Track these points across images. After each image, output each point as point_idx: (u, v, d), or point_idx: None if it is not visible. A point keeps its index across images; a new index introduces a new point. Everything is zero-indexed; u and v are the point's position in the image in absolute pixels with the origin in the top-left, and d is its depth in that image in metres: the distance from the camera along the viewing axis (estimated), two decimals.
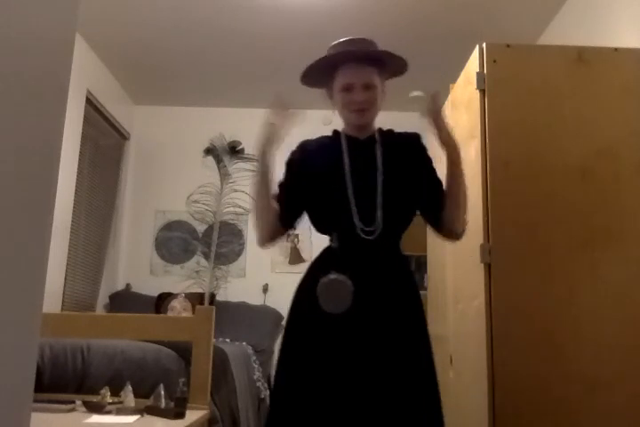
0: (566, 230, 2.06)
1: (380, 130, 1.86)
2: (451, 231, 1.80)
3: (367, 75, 1.76)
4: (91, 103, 4.18)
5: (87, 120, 4.11)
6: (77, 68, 3.59)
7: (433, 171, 1.84)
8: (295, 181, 1.82)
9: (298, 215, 1.85)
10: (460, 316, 2.36)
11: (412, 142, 1.85)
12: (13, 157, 0.64)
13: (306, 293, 1.69)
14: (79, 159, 4.02)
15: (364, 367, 1.59)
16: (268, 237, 1.81)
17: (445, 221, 1.78)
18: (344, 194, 1.72)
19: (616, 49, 2.23)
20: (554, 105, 2.16)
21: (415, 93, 4.67)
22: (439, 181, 1.83)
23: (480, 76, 2.19)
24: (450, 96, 2.68)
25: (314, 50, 4.09)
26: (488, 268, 2.04)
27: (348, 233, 1.71)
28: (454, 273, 2.48)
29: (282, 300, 4.65)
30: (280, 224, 1.80)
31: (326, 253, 1.75)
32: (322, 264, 1.72)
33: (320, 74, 1.80)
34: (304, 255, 4.65)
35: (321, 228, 1.80)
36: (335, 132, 1.87)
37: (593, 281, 2.03)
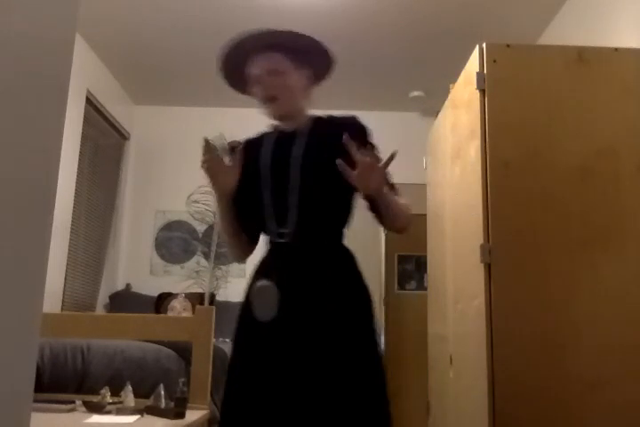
0: (566, 230, 2.06)
1: (314, 118, 1.73)
2: (391, 228, 1.73)
3: (271, 61, 1.64)
4: (91, 103, 4.18)
5: (87, 120, 4.11)
6: (77, 68, 3.60)
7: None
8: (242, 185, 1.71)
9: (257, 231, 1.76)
10: (459, 316, 2.36)
11: (345, 128, 1.63)
12: (13, 157, 0.64)
13: (245, 299, 1.65)
14: (79, 159, 4.02)
15: (292, 375, 1.51)
16: (244, 255, 1.77)
17: (381, 218, 1.69)
18: (260, 194, 1.65)
19: (616, 49, 2.23)
20: (554, 105, 2.16)
21: (415, 93, 4.68)
22: None
23: (480, 76, 2.18)
24: (450, 96, 2.68)
25: None
26: (488, 268, 2.04)
27: (271, 236, 1.66)
28: (454, 273, 2.48)
29: None
30: (250, 242, 1.75)
31: (262, 257, 1.69)
32: (256, 270, 1.67)
33: (235, 75, 1.71)
34: None
35: (255, 230, 1.72)
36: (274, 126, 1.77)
37: (593, 281, 2.03)
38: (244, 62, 1.67)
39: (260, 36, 1.63)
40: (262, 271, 1.63)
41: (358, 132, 1.66)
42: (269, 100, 1.65)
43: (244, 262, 1.85)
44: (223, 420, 1.57)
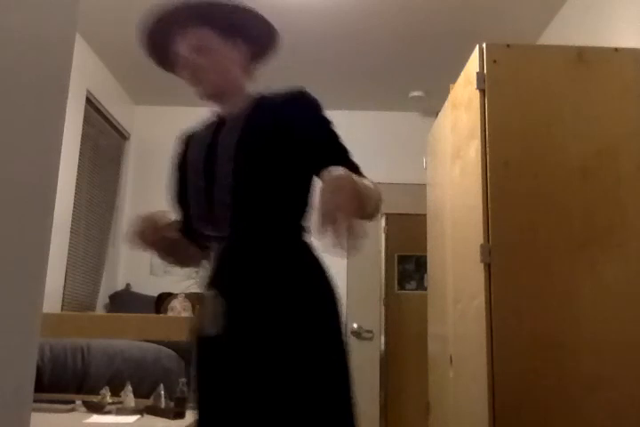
0: (566, 230, 2.06)
1: (257, 98, 1.49)
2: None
3: (197, 37, 1.44)
4: (91, 103, 4.18)
5: (87, 120, 4.11)
6: (77, 68, 3.60)
7: (325, 137, 1.39)
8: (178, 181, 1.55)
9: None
10: (459, 316, 2.36)
11: (291, 103, 1.41)
12: (14, 157, 0.64)
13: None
14: (79, 159, 4.02)
15: (240, 398, 1.32)
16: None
17: None
18: (190, 193, 1.47)
19: (616, 49, 2.23)
20: (554, 105, 2.16)
21: (415, 93, 4.68)
22: (338, 149, 1.39)
23: (480, 76, 2.18)
24: (450, 96, 2.68)
25: (313, 49, 4.11)
26: (488, 268, 2.04)
27: (211, 240, 1.43)
28: (454, 273, 2.48)
29: None
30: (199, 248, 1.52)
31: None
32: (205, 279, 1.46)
33: (161, 55, 1.53)
34: None
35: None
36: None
37: (593, 281, 2.03)
38: (169, 38, 1.47)
39: (183, 9, 1.42)
40: (207, 280, 1.43)
41: (308, 106, 1.41)
42: (196, 81, 1.45)
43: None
44: None
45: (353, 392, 1.33)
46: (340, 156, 1.37)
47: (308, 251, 1.40)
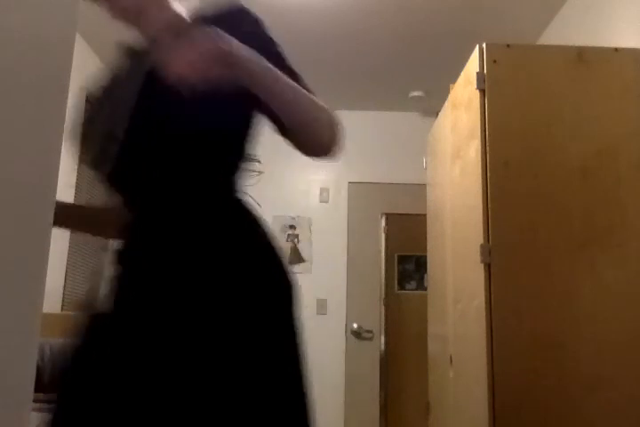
0: (566, 230, 2.06)
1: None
2: (307, 142, 1.09)
3: None
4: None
5: None
6: (77, 68, 3.59)
7: (270, 56, 1.03)
8: None
9: None
10: (459, 316, 2.36)
11: (231, 23, 1.04)
12: (14, 157, 0.64)
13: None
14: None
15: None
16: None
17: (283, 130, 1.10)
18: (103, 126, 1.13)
19: (616, 49, 2.23)
20: (554, 105, 2.16)
21: (415, 93, 4.68)
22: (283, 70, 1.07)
23: (480, 76, 2.19)
24: (450, 96, 2.68)
25: (313, 49, 4.11)
26: (488, 268, 2.04)
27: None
28: (454, 273, 2.48)
29: None
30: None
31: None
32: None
33: None
34: (304, 255, 4.65)
35: None
36: None
37: (593, 281, 2.03)
38: None
39: None
40: (115, 254, 1.10)
41: (250, 26, 1.14)
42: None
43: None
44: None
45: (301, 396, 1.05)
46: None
47: (242, 212, 1.10)
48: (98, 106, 1.17)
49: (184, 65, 0.88)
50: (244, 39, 0.99)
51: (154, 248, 1.06)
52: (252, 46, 1.00)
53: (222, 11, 1.14)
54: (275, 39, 1.15)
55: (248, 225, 1.10)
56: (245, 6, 1.16)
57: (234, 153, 1.12)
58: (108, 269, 1.07)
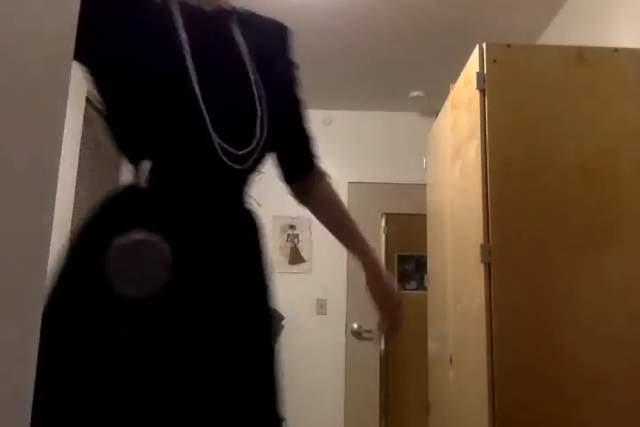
0: (566, 230, 2.06)
1: (230, 5, 1.19)
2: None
3: None
4: (91, 103, 4.18)
5: (87, 120, 4.11)
6: (77, 69, 3.59)
7: (297, 88, 1.26)
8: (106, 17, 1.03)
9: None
10: (459, 316, 2.36)
11: (279, 35, 1.25)
12: (13, 157, 0.64)
13: (79, 265, 1.01)
14: (79, 159, 4.02)
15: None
16: None
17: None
18: (185, 91, 1.02)
19: (616, 49, 2.23)
20: (554, 105, 2.16)
21: (415, 93, 4.68)
22: (298, 107, 1.26)
23: (480, 76, 2.19)
24: (450, 96, 2.68)
25: (313, 48, 4.11)
26: (488, 268, 2.04)
27: (192, 158, 1.05)
28: (454, 273, 2.48)
29: (282, 300, 4.64)
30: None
31: (126, 195, 1.08)
32: (115, 214, 1.04)
33: None
34: (304, 255, 4.65)
35: (128, 144, 1.16)
36: None
37: (593, 281, 2.03)
38: None
39: None
40: (134, 217, 1.02)
41: (290, 43, 1.28)
42: None
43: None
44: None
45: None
46: (295, 112, 1.24)
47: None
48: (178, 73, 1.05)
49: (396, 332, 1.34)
50: (281, 53, 1.22)
51: (223, 221, 1.07)
52: (283, 63, 1.22)
53: (271, 20, 1.27)
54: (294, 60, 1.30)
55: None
56: (287, 26, 1.30)
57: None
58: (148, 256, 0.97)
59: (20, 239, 0.66)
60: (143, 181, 1.06)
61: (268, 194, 4.91)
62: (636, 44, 2.49)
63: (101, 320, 0.98)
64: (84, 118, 4.06)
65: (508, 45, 2.23)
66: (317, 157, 1.30)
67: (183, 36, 1.05)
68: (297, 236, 4.69)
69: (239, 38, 1.13)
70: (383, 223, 4.72)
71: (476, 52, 2.24)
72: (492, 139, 2.13)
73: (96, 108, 4.29)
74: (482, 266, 2.05)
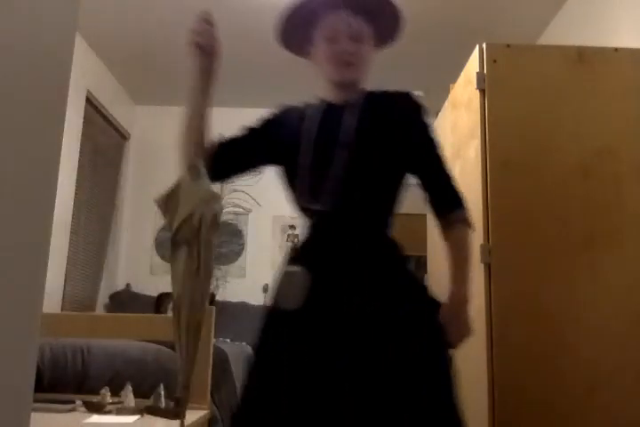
0: (566, 230, 2.06)
1: (367, 92, 1.58)
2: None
3: (355, 23, 1.51)
4: (91, 103, 4.18)
5: (87, 120, 4.11)
6: (77, 68, 3.60)
7: (428, 142, 1.55)
8: (262, 137, 1.57)
9: (233, 171, 1.60)
10: None
11: (401, 105, 1.55)
12: (14, 158, 0.64)
13: (274, 285, 1.50)
14: (79, 159, 4.02)
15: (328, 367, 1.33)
16: (194, 154, 1.52)
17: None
18: (305, 170, 1.46)
19: (616, 49, 2.23)
20: (554, 105, 2.16)
21: (415, 93, 4.68)
22: (434, 157, 1.55)
23: (480, 76, 2.18)
24: (450, 96, 2.68)
25: None
26: (488, 268, 2.04)
27: (311, 215, 1.48)
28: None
29: None
30: (211, 163, 1.52)
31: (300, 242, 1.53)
32: (288, 254, 1.51)
33: (299, 32, 1.56)
34: None
35: (297, 206, 1.54)
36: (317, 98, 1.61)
37: (593, 281, 2.03)
38: (313, 20, 1.53)
39: None
40: (292, 254, 1.49)
41: (414, 110, 1.54)
42: (344, 65, 1.51)
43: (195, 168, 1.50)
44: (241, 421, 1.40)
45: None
46: (434, 165, 1.54)
47: (400, 248, 1.55)
48: (307, 147, 1.49)
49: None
50: (407, 122, 1.51)
51: (342, 257, 1.43)
52: (413, 129, 1.51)
53: (396, 94, 1.57)
54: (431, 123, 1.55)
55: (403, 257, 1.61)
56: (413, 94, 1.57)
57: (397, 201, 1.58)
58: (297, 274, 1.41)
59: (21, 239, 0.66)
60: (310, 230, 1.49)
61: (268, 194, 4.90)
62: (636, 44, 2.49)
63: (270, 323, 1.45)
64: (84, 118, 4.06)
65: (508, 45, 2.22)
66: (460, 201, 1.56)
67: (312, 129, 1.50)
68: (297, 236, 4.69)
69: (348, 121, 1.49)
70: None
71: (475, 52, 2.24)
72: (492, 139, 2.12)
73: (96, 109, 4.29)
74: (482, 266, 2.05)
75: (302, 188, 1.48)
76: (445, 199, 1.56)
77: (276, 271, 1.51)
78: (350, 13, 1.52)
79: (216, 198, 1.47)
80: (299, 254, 1.47)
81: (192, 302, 1.37)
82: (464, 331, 1.53)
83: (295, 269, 1.42)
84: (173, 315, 1.38)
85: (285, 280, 1.43)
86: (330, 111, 1.53)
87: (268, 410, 1.33)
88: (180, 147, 1.53)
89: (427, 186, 1.55)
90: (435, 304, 1.54)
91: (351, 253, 1.43)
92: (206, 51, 1.48)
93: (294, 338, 1.37)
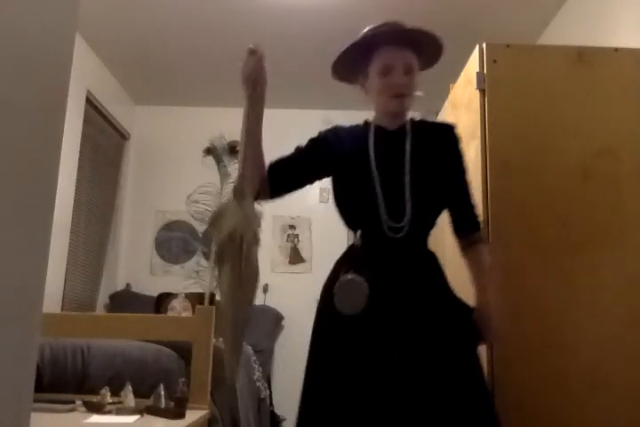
0: (566, 230, 2.06)
1: (412, 120, 1.76)
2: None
3: (408, 56, 1.68)
4: (91, 103, 4.18)
5: (87, 120, 4.11)
6: (77, 68, 3.60)
7: (462, 170, 1.76)
8: (315, 154, 1.74)
9: (291, 187, 1.75)
10: None
11: (444, 134, 1.75)
12: (14, 157, 0.64)
13: (326, 291, 1.65)
14: (79, 159, 4.02)
15: (384, 370, 1.53)
16: (253, 183, 1.64)
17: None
18: (370, 188, 1.64)
19: (616, 49, 2.23)
20: (554, 105, 2.16)
21: (415, 93, 4.68)
22: (464, 184, 1.76)
23: (480, 76, 2.19)
24: (450, 96, 2.68)
25: (314, 49, 4.10)
26: None
27: (374, 230, 1.63)
28: (454, 273, 2.47)
29: (282, 300, 4.65)
30: (267, 183, 1.68)
31: (350, 250, 1.69)
32: (343, 263, 1.66)
33: (354, 62, 1.73)
34: (304, 255, 4.65)
35: (347, 223, 1.73)
36: (365, 122, 1.79)
37: (593, 281, 2.03)
38: (368, 54, 1.70)
39: (394, 30, 1.70)
40: (351, 264, 1.62)
41: (456, 142, 1.74)
42: (398, 97, 1.67)
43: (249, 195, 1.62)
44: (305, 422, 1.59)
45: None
46: (464, 191, 1.75)
47: (436, 257, 1.75)
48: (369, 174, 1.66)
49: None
50: (451, 151, 1.73)
51: (401, 270, 1.63)
52: (453, 155, 1.73)
53: (439, 124, 1.81)
54: (463, 154, 1.76)
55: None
56: (455, 126, 1.77)
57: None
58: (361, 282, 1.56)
59: (21, 239, 0.66)
60: (358, 242, 1.64)
61: None
62: (636, 44, 2.49)
63: (327, 328, 1.65)
64: (84, 118, 4.06)
65: (508, 45, 2.23)
66: (480, 224, 1.77)
67: (372, 151, 1.67)
68: (297, 236, 4.69)
69: (407, 147, 1.68)
70: None
71: (475, 52, 2.24)
72: (492, 139, 2.12)
73: (96, 109, 4.29)
74: None
75: (372, 206, 1.63)
76: (468, 223, 1.76)
77: (328, 279, 1.67)
78: (402, 48, 1.67)
79: (257, 217, 1.60)
80: (357, 265, 1.61)
81: (234, 311, 1.50)
82: (492, 333, 1.68)
83: (355, 277, 1.56)
84: (220, 320, 1.54)
85: (345, 288, 1.57)
86: (384, 136, 1.72)
87: (335, 407, 1.52)
88: (243, 168, 1.64)
89: (453, 209, 1.75)
90: (470, 308, 1.67)
91: (407, 264, 1.63)
92: (256, 81, 1.61)
93: (359, 340, 1.55)
